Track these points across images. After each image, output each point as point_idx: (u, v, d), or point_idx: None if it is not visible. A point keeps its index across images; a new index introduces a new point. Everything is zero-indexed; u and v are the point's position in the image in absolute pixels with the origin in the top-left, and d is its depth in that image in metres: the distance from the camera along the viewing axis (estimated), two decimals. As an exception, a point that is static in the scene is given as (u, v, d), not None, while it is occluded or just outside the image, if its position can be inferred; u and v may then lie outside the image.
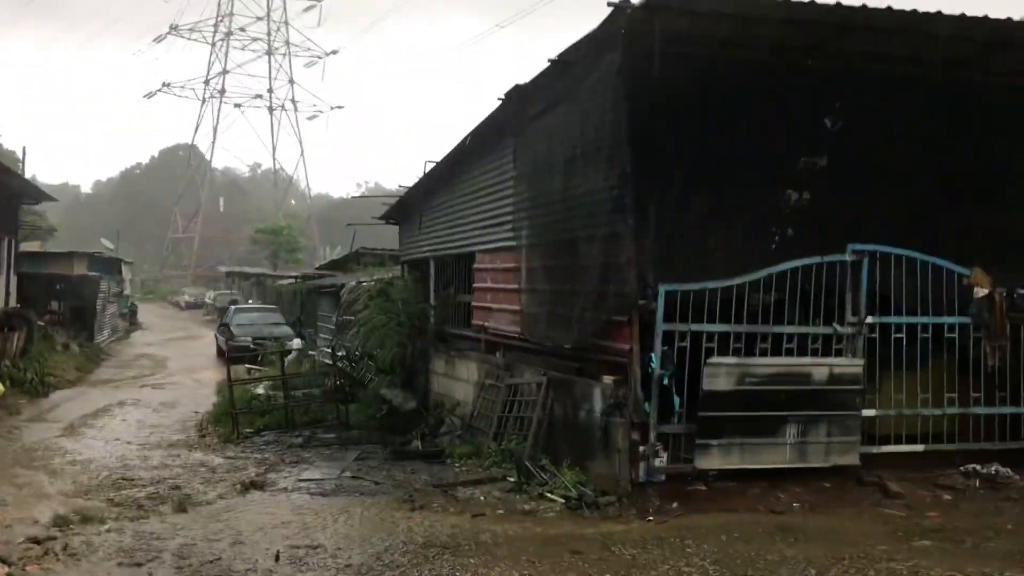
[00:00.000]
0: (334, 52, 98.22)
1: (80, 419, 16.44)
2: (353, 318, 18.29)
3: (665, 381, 8.51)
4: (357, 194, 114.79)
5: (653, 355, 8.49)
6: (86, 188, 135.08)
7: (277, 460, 12.10)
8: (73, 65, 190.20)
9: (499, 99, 10.86)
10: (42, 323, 27.82)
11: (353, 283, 19.02)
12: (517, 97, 10.76)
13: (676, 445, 8.70)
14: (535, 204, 10.49)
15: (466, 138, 12.35)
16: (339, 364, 16.13)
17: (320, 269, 35.47)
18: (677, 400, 8.62)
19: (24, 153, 54.40)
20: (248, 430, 14.57)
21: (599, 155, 8.85)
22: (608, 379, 8.95)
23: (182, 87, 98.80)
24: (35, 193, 30.41)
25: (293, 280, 36.89)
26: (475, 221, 12.98)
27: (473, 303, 13.17)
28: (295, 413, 14.77)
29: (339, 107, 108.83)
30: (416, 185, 15.29)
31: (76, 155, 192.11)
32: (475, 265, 13.04)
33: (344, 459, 11.91)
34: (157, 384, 22.68)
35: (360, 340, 16.25)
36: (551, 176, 10.00)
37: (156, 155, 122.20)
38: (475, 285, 13.08)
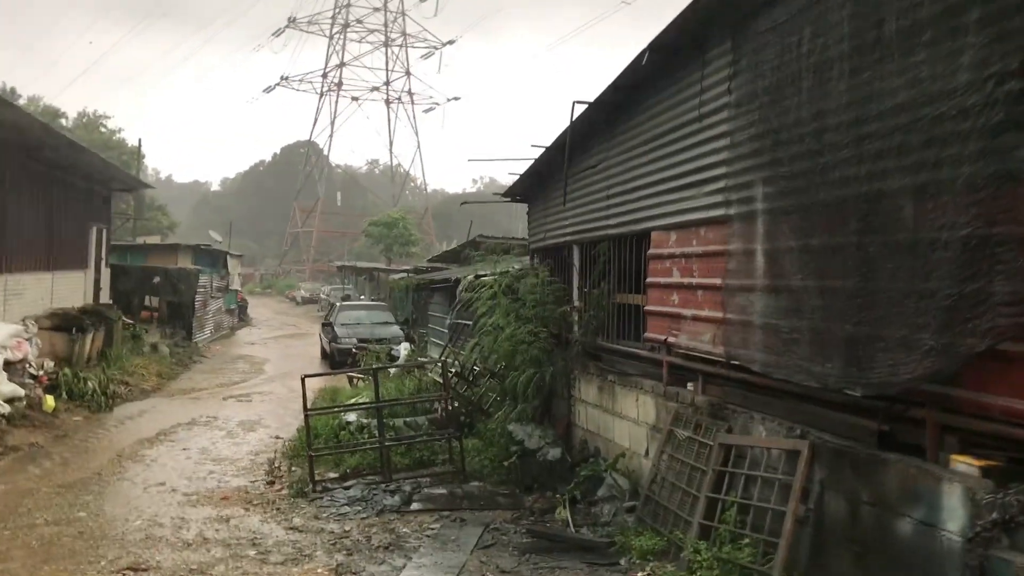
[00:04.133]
0: (450, 42, 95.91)
1: (132, 447, 13.08)
2: (469, 323, 14.33)
3: (1120, 482, 4.06)
4: (473, 189, 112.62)
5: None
6: (215, 186, 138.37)
7: (361, 538, 8.16)
8: (200, 65, 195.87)
9: (712, -30, 6.54)
10: (131, 321, 25.26)
11: (470, 277, 15.02)
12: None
13: None
14: (780, 141, 6.13)
15: (642, 55, 8.07)
16: (452, 384, 12.16)
17: (433, 261, 31.84)
18: None
19: (140, 144, 53.79)
20: (331, 475, 10.79)
21: (957, 21, 4.45)
22: (971, 465, 4.55)
23: (300, 80, 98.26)
24: (128, 180, 27.95)
25: (405, 274, 33.46)
26: (653, 183, 8.70)
27: (646, 307, 8.89)
28: (394, 452, 10.88)
29: (455, 99, 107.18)
30: (556, 143, 11.12)
31: (206, 154, 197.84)
32: (651, 250, 8.77)
33: (459, 543, 7.86)
34: (244, 395, 19.38)
35: (480, 353, 12.22)
36: (818, 88, 5.65)
37: (278, 152, 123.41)
38: (650, 280, 8.81)
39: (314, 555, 7.65)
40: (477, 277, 14.65)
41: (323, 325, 28.56)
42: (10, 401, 13.98)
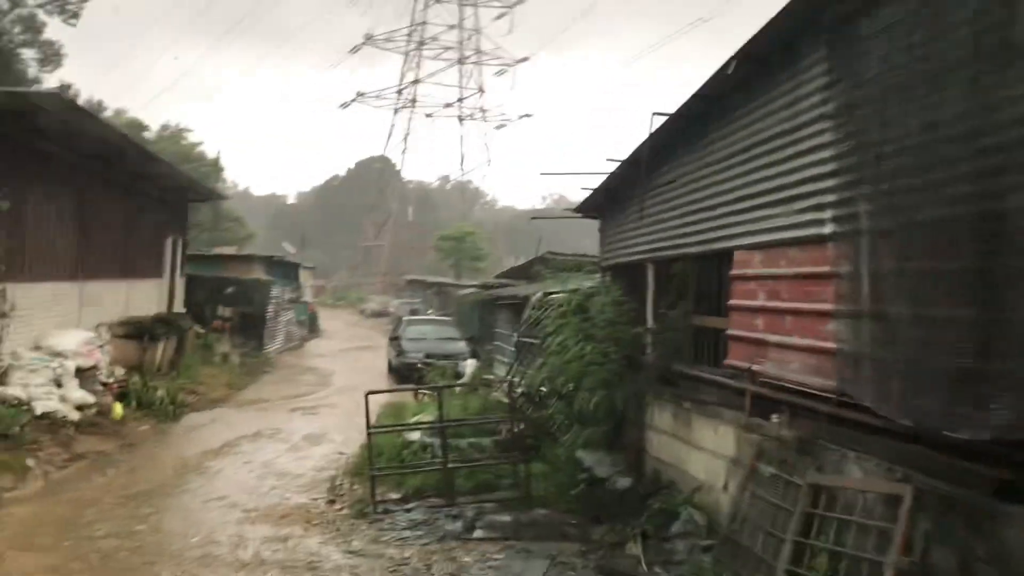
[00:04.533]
0: (524, 59, 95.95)
1: (197, 458, 13.02)
2: (537, 341, 13.93)
3: None
4: (543, 206, 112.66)
5: None
6: (291, 199, 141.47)
7: (420, 567, 7.81)
8: (280, 81, 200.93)
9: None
10: (203, 330, 25.58)
11: (539, 294, 14.64)
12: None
13: None
14: (884, 155, 5.61)
15: (728, 63, 7.61)
16: (519, 404, 11.74)
17: (500, 277, 31.57)
18: None
19: (219, 156, 55.07)
20: (393, 495, 10.48)
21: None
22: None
23: (376, 96, 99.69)
24: (204, 191, 28.42)
25: (472, 289, 33.28)
26: (737, 200, 8.21)
27: (728, 331, 8.38)
28: (457, 475, 10.51)
29: (527, 115, 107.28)
30: (632, 157, 10.69)
31: (284, 168, 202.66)
32: (733, 271, 8.26)
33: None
34: (310, 408, 19.29)
35: (548, 373, 11.79)
36: (929, 96, 5.12)
37: (352, 167, 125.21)
38: (732, 302, 8.30)
39: (372, 582, 7.32)
40: (546, 295, 14.27)
41: (390, 339, 28.51)
42: (80, 408, 14.10)
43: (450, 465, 10.25)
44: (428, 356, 23.53)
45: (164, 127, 69.19)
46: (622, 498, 9.41)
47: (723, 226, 8.52)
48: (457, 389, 15.51)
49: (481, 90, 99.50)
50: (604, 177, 12.13)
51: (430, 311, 43.82)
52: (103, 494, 10.54)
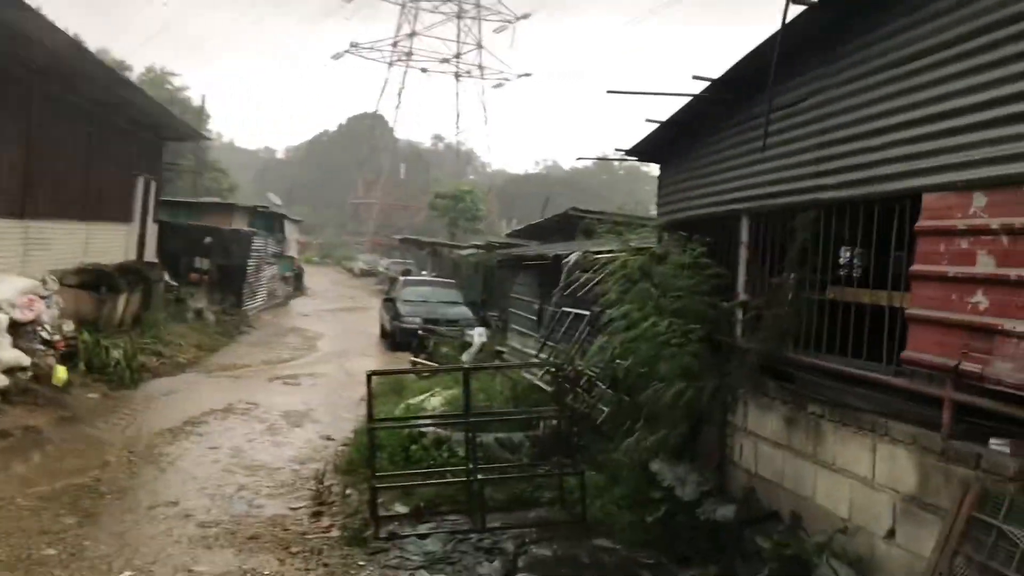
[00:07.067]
0: (525, 16, 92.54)
1: (150, 439, 10.45)
2: (580, 312, 11.33)
3: None
4: (535, 171, 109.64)
5: None
6: (279, 154, 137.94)
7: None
8: (269, 31, 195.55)
9: None
10: (175, 283, 22.86)
11: (577, 254, 12.01)
12: None
13: None
14: None
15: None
16: (565, 392, 9.12)
17: (512, 236, 28.84)
18: None
19: (204, 101, 51.83)
20: (399, 508, 7.91)
21: None
22: None
23: (369, 48, 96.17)
24: (182, 129, 25.47)
25: (475, 250, 30.57)
26: (937, 116, 5.54)
27: (911, 310, 5.75)
28: (485, 485, 7.91)
29: (526, 75, 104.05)
30: (725, 77, 8.00)
31: (271, 122, 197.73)
32: (923, 222, 5.63)
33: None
34: (292, 377, 16.66)
35: (609, 354, 9.16)
36: None
37: (344, 122, 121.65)
38: (919, 269, 5.67)
39: None
40: (586, 254, 11.67)
41: (384, 301, 25.85)
42: (11, 371, 11.44)
43: (479, 476, 7.63)
44: (428, 321, 20.95)
45: (149, 69, 65.70)
46: (715, 529, 6.89)
47: (900, 157, 5.89)
48: (464, 359, 12.90)
49: (480, 46, 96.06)
50: (667, 114, 9.46)
51: (424, 272, 41.15)
52: (17, 491, 7.96)
